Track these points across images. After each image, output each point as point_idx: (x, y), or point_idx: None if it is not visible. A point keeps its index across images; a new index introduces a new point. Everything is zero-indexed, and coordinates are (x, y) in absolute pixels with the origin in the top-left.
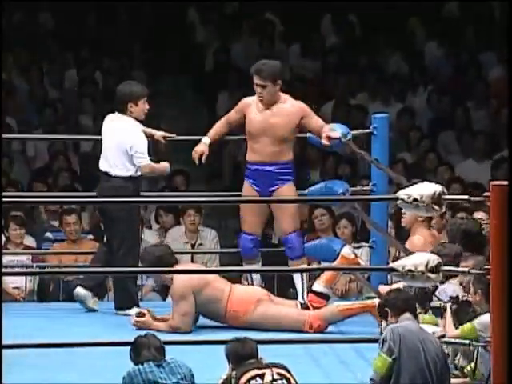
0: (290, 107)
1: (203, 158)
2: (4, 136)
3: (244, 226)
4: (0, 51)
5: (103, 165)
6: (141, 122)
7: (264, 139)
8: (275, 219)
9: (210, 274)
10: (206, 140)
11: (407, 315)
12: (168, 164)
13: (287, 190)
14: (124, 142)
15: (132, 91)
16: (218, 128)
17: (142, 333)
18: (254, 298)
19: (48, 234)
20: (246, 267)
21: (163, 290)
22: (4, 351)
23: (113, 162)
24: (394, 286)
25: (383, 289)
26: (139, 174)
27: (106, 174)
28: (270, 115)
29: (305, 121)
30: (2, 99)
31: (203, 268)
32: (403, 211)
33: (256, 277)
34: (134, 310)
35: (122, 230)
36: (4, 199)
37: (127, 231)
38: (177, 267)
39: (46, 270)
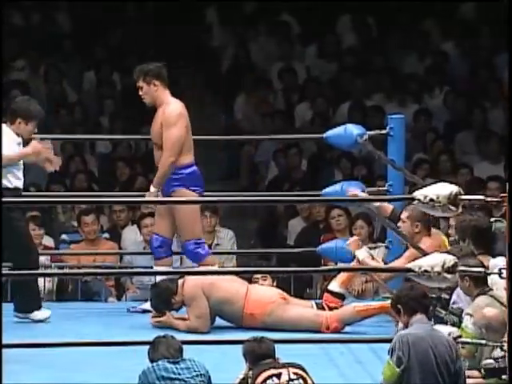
0: (160, 113)
1: None
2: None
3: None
4: (0, 52)
5: None
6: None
7: (154, 146)
8: None
9: (222, 275)
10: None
11: (419, 316)
12: (31, 148)
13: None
14: None
15: (29, 110)
16: None
17: (161, 333)
18: (271, 300)
19: (64, 236)
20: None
21: None
22: (21, 350)
23: None
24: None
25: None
26: (17, 185)
27: None
28: (154, 119)
29: (162, 130)
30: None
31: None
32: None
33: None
34: (39, 313)
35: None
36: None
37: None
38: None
39: (64, 270)
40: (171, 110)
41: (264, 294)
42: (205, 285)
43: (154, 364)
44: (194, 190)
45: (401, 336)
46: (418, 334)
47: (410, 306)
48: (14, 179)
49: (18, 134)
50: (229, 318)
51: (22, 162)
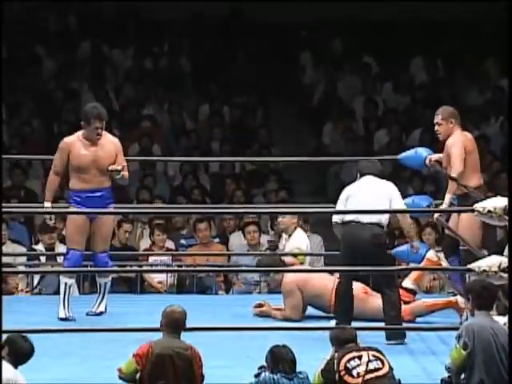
0: (109, 142)
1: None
2: (149, 159)
3: (72, 243)
4: (0, 51)
5: (367, 217)
6: None
7: (92, 171)
8: (93, 237)
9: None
10: (47, 204)
11: (483, 311)
12: None
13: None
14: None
15: None
16: (51, 187)
17: (261, 320)
18: (358, 288)
19: (182, 241)
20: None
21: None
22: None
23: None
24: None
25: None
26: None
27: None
28: (97, 150)
29: (117, 155)
30: (149, 131)
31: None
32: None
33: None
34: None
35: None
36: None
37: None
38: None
39: (183, 268)
40: (116, 139)
41: None
42: (299, 281)
43: (272, 376)
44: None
45: (466, 325)
46: (481, 323)
47: (479, 302)
48: None
49: None
50: (319, 308)
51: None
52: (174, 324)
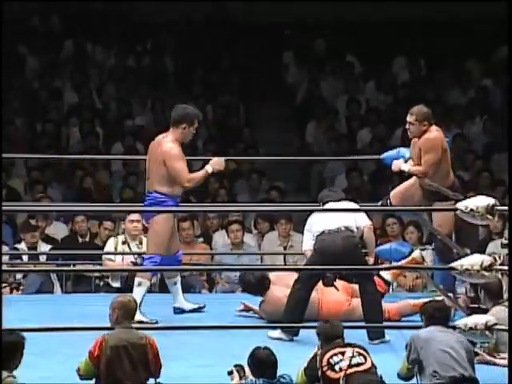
0: None
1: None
2: (135, 158)
3: (162, 248)
4: (0, 50)
5: (336, 224)
6: None
7: None
8: (173, 237)
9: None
10: (209, 168)
11: (433, 327)
12: None
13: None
14: None
15: None
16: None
17: (245, 320)
18: (342, 308)
19: None
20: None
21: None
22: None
23: None
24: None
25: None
26: None
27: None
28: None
29: None
30: (132, 130)
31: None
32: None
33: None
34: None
35: None
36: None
37: None
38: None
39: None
40: None
41: (334, 301)
42: (286, 293)
43: (255, 381)
44: None
45: (413, 335)
46: (429, 330)
47: (431, 321)
48: None
49: None
50: (307, 318)
51: None
52: (131, 313)
